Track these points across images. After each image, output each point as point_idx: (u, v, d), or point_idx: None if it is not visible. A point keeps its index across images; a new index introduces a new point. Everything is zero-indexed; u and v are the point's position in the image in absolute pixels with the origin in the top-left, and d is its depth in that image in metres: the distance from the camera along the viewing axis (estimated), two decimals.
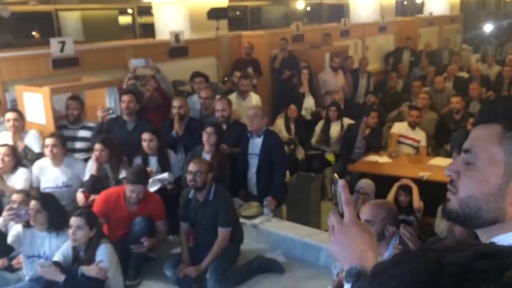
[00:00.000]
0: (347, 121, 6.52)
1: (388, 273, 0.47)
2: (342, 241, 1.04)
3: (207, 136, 4.53)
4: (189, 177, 3.91)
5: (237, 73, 6.74)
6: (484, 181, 0.85)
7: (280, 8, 12.37)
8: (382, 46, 10.70)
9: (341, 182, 1.10)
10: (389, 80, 8.72)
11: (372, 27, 10.38)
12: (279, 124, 6.59)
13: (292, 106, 6.53)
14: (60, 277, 3.35)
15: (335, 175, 1.40)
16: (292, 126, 6.54)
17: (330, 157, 6.56)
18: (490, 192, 0.84)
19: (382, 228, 2.87)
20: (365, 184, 4.83)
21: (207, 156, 4.57)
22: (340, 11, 11.43)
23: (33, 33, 8.92)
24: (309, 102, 7.30)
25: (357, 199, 4.75)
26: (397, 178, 4.93)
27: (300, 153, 6.62)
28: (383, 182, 4.99)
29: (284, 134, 6.46)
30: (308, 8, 13.29)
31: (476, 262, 0.46)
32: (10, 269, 3.88)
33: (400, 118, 6.94)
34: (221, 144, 4.72)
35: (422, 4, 13.67)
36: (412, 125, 6.17)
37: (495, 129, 0.86)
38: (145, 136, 4.62)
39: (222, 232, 3.96)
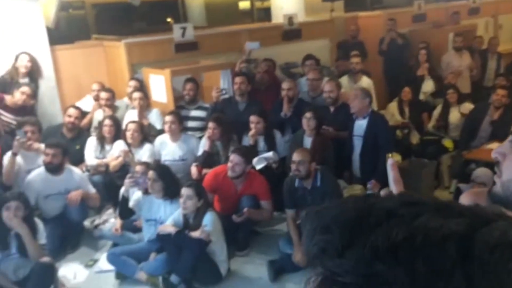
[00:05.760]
0: (468, 106, 6.08)
1: (327, 210, 0.52)
2: None
3: (307, 121, 4.60)
4: (293, 166, 4.01)
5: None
6: None
7: None
8: None
9: (390, 161, 1.11)
10: None
11: (508, 3, 9.42)
12: (392, 108, 6.39)
13: (406, 89, 6.27)
14: (173, 230, 3.73)
15: (390, 154, 1.40)
16: (406, 110, 6.30)
17: (448, 143, 6.19)
18: None
19: None
20: (482, 173, 4.51)
21: (308, 140, 4.65)
22: None
23: (168, 19, 9.60)
24: (428, 86, 6.94)
25: (472, 188, 4.48)
26: None
27: (415, 138, 6.35)
28: None
29: (397, 117, 6.26)
30: None
31: (399, 208, 0.50)
32: (133, 230, 4.39)
33: None
34: (324, 126, 4.76)
35: None
36: None
37: None
38: (253, 118, 4.83)
39: None
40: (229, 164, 4.25)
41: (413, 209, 0.49)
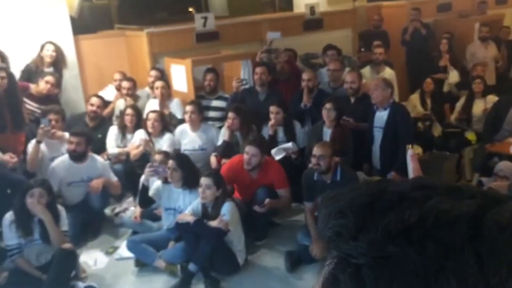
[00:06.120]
0: (492, 98, 5.95)
1: (341, 195, 0.54)
2: None
3: (327, 112, 4.57)
4: (313, 160, 3.96)
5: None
6: None
7: None
8: None
9: (410, 152, 1.11)
10: None
11: None
12: (414, 99, 6.30)
13: (428, 80, 6.18)
14: (191, 219, 3.76)
15: (409, 146, 1.40)
16: (428, 101, 6.20)
17: (470, 136, 6.08)
18: None
19: None
20: (505, 166, 4.43)
21: (328, 131, 4.63)
22: None
23: (190, 9, 9.61)
24: (454, 76, 6.81)
25: (495, 181, 4.39)
26: None
27: (437, 130, 6.26)
28: None
29: (419, 109, 6.18)
30: None
31: (412, 192, 0.51)
32: (153, 218, 4.45)
33: None
34: (344, 117, 4.72)
35: None
36: None
37: None
38: (272, 109, 4.83)
39: None
40: (246, 157, 4.24)
41: (424, 192, 0.50)
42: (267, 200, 4.15)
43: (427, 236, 0.46)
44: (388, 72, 5.97)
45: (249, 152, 4.22)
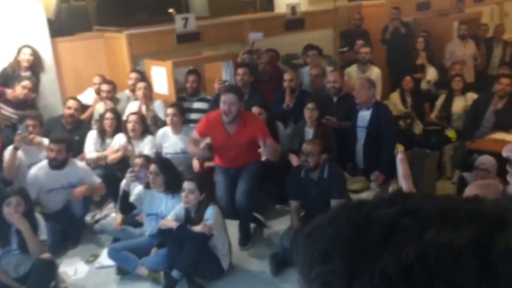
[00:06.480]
0: (472, 96, 6.01)
1: (319, 232, 0.46)
2: None
3: (309, 112, 4.56)
4: (302, 157, 3.95)
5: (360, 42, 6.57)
6: None
7: None
8: None
9: (399, 156, 1.09)
10: None
11: None
12: (394, 98, 6.33)
13: (407, 78, 6.22)
14: (174, 225, 3.69)
15: (399, 149, 1.38)
16: (409, 99, 6.24)
17: (450, 133, 6.14)
18: None
19: None
20: (486, 160, 4.46)
21: (310, 131, 4.61)
22: None
23: (170, 10, 9.53)
24: (431, 74, 6.87)
25: (476, 175, 4.43)
26: None
27: (418, 128, 6.30)
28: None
29: (399, 107, 6.21)
30: None
31: (400, 219, 0.44)
32: (135, 224, 4.37)
33: None
34: (326, 116, 4.71)
35: None
36: None
37: None
38: (254, 109, 4.79)
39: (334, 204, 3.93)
40: (224, 107, 3.84)
41: (416, 220, 0.44)
42: (261, 148, 3.70)
43: (433, 276, 0.40)
44: (375, 72, 5.98)
45: (226, 101, 3.84)
